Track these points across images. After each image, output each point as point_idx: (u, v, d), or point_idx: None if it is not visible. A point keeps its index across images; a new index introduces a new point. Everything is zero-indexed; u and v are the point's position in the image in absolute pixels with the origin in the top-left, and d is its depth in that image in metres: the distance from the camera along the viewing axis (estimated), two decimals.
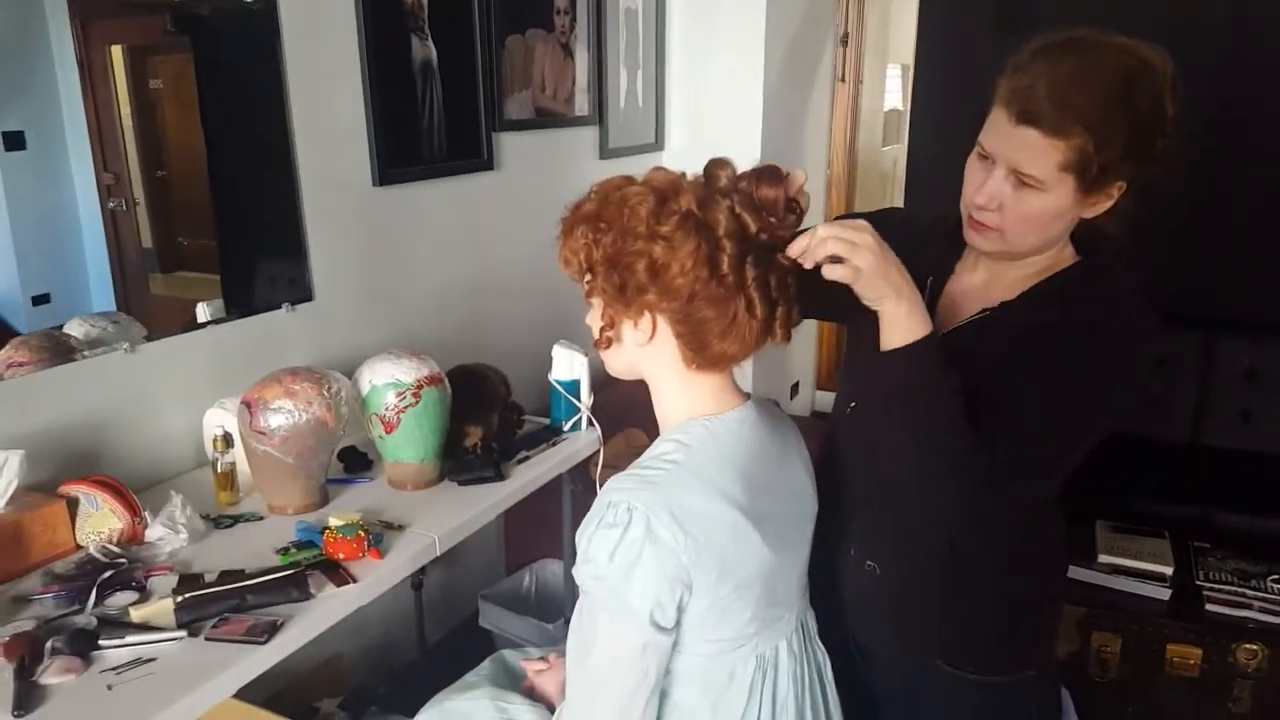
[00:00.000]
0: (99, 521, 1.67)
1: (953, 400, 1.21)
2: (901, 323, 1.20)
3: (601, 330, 1.19)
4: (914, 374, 1.22)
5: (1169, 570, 2.88)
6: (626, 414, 2.58)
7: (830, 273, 1.15)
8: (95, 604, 1.51)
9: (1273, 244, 3.62)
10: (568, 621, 2.52)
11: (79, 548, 1.68)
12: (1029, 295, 1.33)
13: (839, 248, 1.14)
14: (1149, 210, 1.29)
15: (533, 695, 1.48)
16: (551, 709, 1.41)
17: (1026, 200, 1.25)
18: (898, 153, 5.64)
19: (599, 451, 2.26)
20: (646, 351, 1.19)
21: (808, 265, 1.16)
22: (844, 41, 4.24)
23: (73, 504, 1.68)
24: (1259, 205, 3.60)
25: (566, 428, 2.31)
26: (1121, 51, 1.22)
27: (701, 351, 1.16)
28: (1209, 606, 2.79)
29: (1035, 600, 1.48)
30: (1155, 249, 1.43)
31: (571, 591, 2.56)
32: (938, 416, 1.22)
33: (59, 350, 1.81)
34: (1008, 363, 1.28)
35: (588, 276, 1.17)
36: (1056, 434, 1.26)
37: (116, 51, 1.90)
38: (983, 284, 1.40)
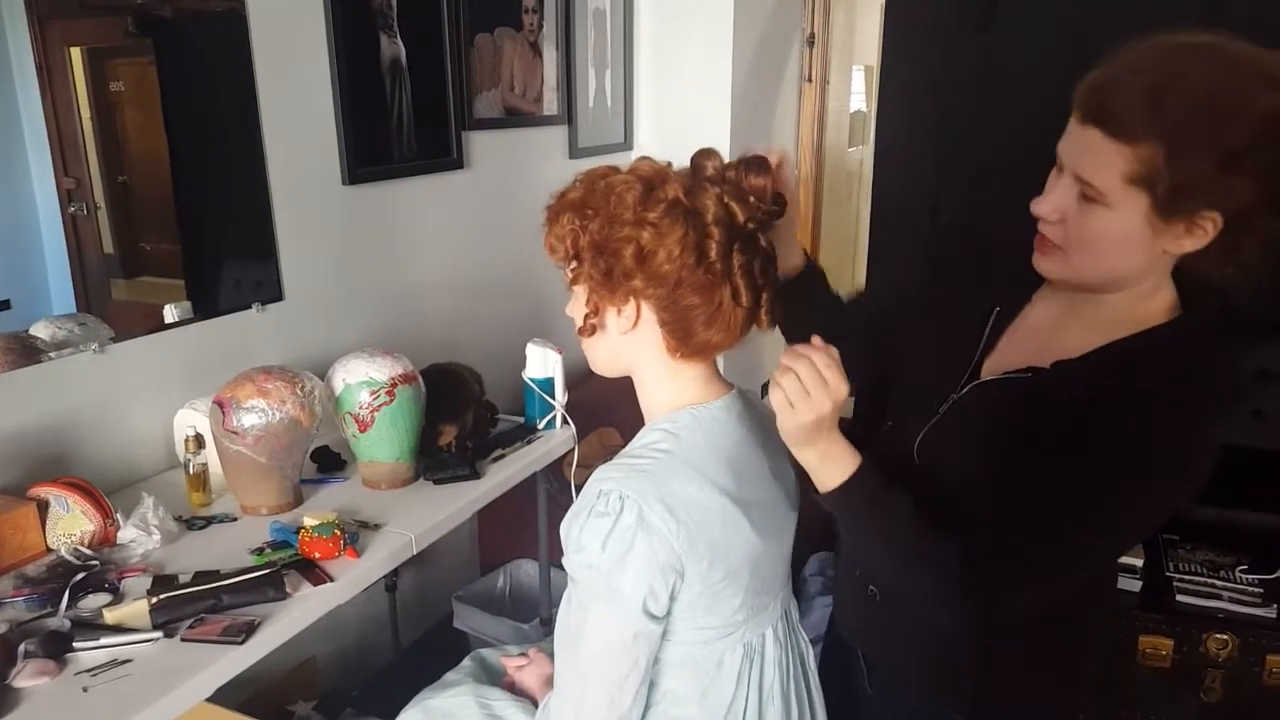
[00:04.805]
0: (70, 524, 1.65)
1: (898, 522, 1.16)
2: (820, 468, 1.15)
3: (585, 318, 1.18)
4: (852, 510, 1.18)
5: (1139, 562, 2.90)
6: (600, 413, 2.58)
7: (771, 390, 1.10)
8: (68, 606, 1.48)
9: None
10: (544, 622, 2.54)
11: (50, 550, 1.65)
12: (1091, 359, 1.15)
13: (795, 389, 1.08)
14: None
15: (514, 691, 1.47)
16: (534, 703, 1.40)
17: (1090, 216, 1.08)
18: (864, 153, 5.68)
19: (574, 450, 2.26)
20: (630, 340, 1.18)
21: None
22: (810, 42, 4.25)
23: (43, 506, 1.65)
24: None
25: (541, 426, 2.30)
26: (1237, 59, 1.02)
27: (686, 340, 1.16)
28: (1179, 598, 2.81)
29: (1057, 661, 1.38)
30: None
31: (547, 592, 2.55)
32: (887, 537, 1.19)
33: (25, 352, 1.78)
34: (1026, 439, 1.13)
35: (573, 263, 1.16)
36: (1058, 532, 1.10)
37: (76, 53, 1.86)
38: (1054, 324, 1.23)
